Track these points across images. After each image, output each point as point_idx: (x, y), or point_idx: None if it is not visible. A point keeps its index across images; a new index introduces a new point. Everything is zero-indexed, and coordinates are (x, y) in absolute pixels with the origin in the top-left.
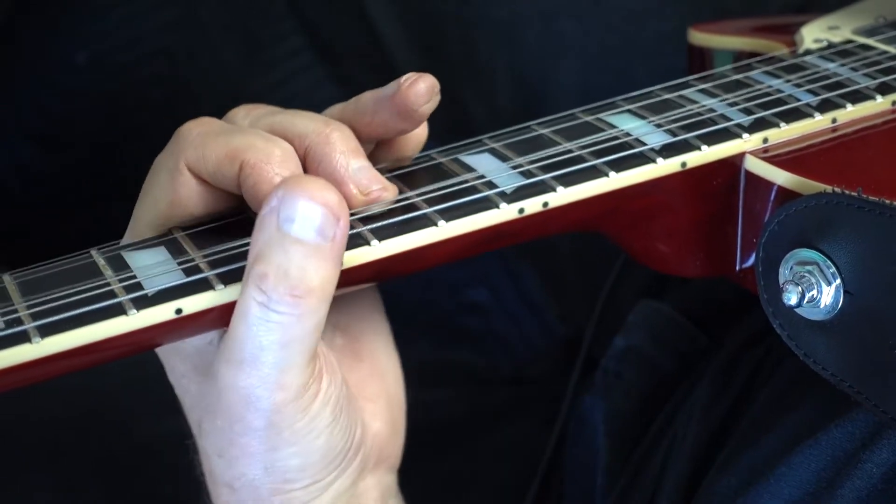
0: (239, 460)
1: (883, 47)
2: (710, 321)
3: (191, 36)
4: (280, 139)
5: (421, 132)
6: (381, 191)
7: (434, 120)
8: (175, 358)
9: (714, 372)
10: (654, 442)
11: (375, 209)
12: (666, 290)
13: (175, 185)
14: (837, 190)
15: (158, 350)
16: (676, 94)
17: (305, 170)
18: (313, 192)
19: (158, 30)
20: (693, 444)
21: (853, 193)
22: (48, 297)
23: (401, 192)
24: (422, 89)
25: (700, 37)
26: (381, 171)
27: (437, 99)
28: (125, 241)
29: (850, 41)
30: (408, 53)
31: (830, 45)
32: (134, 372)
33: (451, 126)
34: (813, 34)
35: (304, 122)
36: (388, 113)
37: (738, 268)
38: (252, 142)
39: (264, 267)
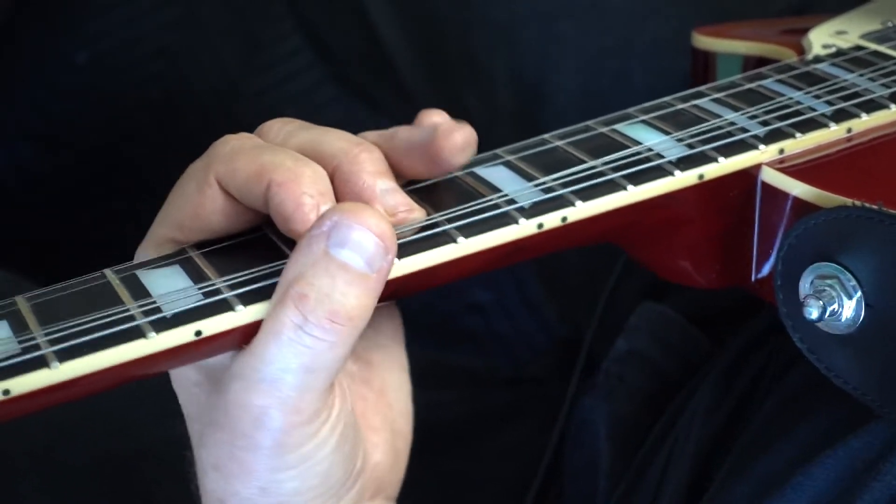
0: (236, 477)
1: (894, 54)
2: (712, 323)
3: (191, 36)
4: (310, 160)
5: None
6: (407, 212)
7: None
8: (188, 366)
9: (717, 374)
10: (656, 445)
11: (402, 231)
12: (667, 292)
13: (202, 197)
14: (858, 203)
15: None
16: (690, 104)
17: (333, 188)
18: (370, 221)
19: (158, 30)
20: (695, 447)
21: (874, 207)
22: (65, 321)
23: None
24: (458, 142)
25: (704, 40)
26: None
27: (471, 150)
28: (141, 247)
29: (859, 47)
30: (408, 54)
31: (840, 52)
32: None
33: None
34: (821, 39)
35: (334, 140)
36: (419, 158)
37: (753, 278)
38: (282, 161)
39: (305, 288)
